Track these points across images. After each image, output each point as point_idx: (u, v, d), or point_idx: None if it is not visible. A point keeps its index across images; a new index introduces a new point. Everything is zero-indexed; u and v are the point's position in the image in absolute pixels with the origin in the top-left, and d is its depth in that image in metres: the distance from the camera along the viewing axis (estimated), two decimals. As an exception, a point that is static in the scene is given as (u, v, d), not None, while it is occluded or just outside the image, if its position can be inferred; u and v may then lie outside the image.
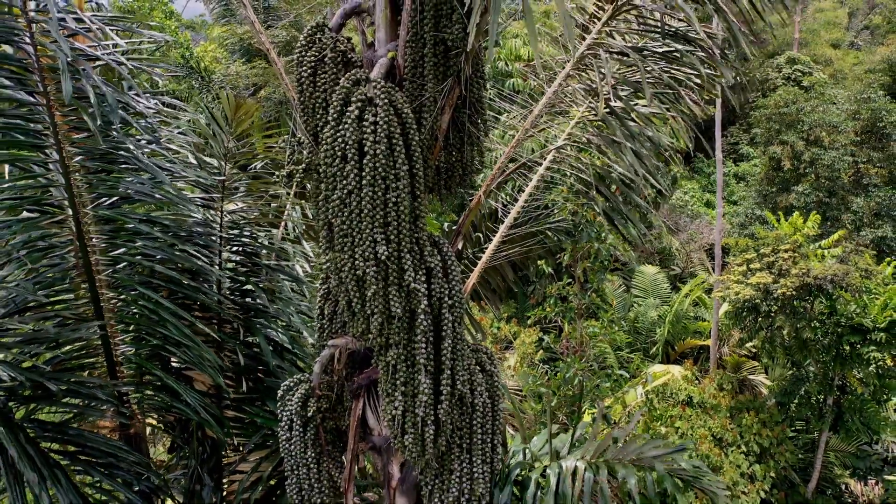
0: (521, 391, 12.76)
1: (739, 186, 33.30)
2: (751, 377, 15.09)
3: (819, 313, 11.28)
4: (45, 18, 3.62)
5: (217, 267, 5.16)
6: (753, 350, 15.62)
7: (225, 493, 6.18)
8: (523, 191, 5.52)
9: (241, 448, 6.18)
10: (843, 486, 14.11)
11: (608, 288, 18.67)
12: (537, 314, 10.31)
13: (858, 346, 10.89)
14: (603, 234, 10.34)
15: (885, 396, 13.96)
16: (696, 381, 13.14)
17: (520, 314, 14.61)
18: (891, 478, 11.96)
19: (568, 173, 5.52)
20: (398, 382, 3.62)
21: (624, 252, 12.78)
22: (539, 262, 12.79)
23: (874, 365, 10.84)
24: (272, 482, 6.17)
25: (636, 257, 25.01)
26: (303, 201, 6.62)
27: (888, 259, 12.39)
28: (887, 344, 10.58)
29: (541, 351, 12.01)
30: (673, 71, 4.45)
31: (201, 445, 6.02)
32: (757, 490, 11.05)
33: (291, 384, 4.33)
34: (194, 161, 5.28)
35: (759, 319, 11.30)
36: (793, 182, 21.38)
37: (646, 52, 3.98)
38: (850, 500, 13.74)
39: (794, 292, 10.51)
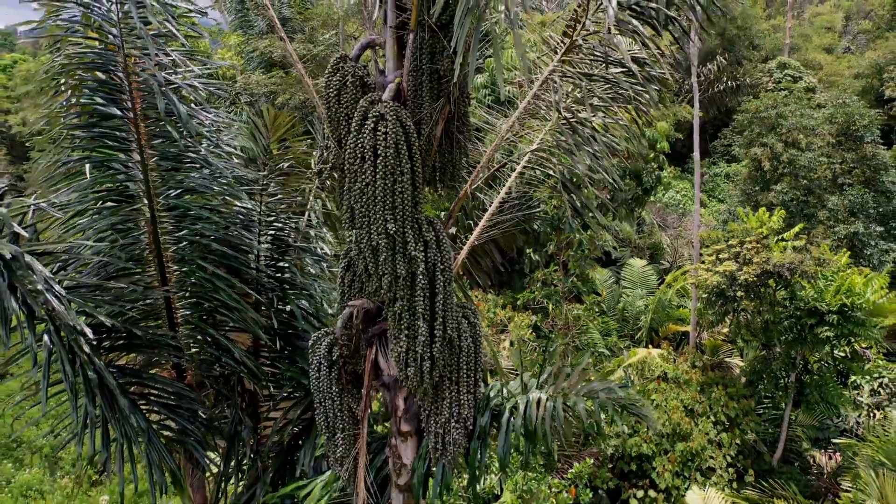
0: (515, 370, 13.83)
1: (729, 185, 34.20)
2: (727, 360, 16.15)
3: (781, 298, 12.32)
4: (139, 54, 4.72)
5: (257, 246, 6.28)
6: (731, 336, 16.66)
7: (259, 437, 7.29)
8: (511, 187, 6.62)
9: (273, 398, 7.29)
10: (811, 459, 15.14)
11: (597, 277, 19.74)
12: (525, 296, 11.35)
13: (815, 327, 11.92)
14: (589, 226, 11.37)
15: (848, 379, 15.05)
16: (672, 360, 14.19)
17: (515, 302, 15.69)
18: (839, 441, 12.97)
19: (552, 172, 6.59)
20: (402, 327, 4.71)
21: (603, 242, 13.77)
22: (527, 251, 13.90)
23: (829, 345, 11.88)
24: (298, 427, 7.29)
25: (628, 252, 26.05)
26: (323, 195, 7.73)
27: (844, 250, 13.40)
28: (839, 325, 11.61)
29: (532, 332, 13.09)
30: (621, 89, 5.50)
31: (241, 396, 7.14)
32: (723, 455, 12.12)
33: (320, 336, 5.42)
34: (237, 161, 6.39)
35: (727, 304, 12.35)
36: (773, 181, 22.39)
37: (593, 77, 5.05)
38: (815, 472, 14.74)
39: (755, 279, 11.55)
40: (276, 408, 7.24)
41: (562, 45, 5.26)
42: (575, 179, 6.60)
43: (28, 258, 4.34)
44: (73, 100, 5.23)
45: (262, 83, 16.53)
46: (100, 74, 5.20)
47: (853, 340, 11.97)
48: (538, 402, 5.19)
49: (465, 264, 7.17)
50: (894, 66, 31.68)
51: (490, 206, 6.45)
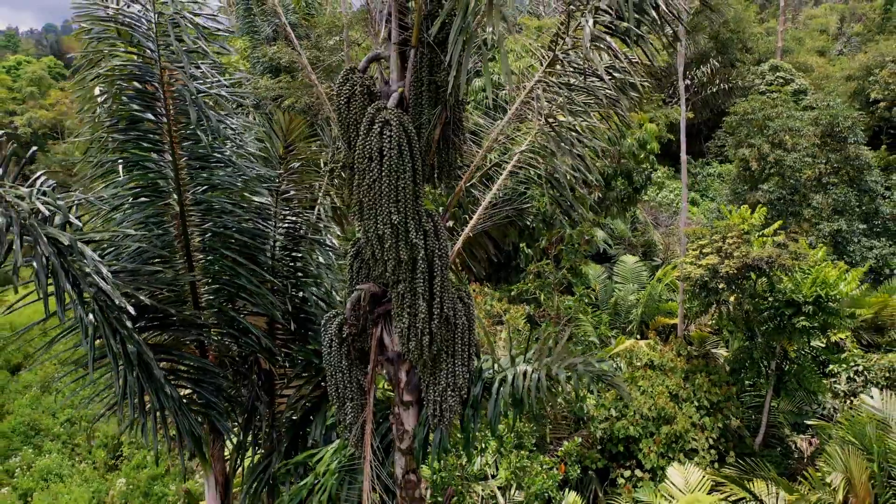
0: (510, 359, 14.38)
1: (723, 185, 34.73)
2: (714, 351, 16.77)
3: (762, 290, 12.93)
4: (175, 67, 5.33)
5: (273, 237, 6.90)
6: (717, 327, 17.28)
7: (274, 412, 7.90)
8: (503, 184, 7.23)
9: (286, 377, 7.90)
10: (793, 444, 15.76)
11: (591, 273, 20.35)
12: (519, 288, 11.95)
13: (793, 317, 12.53)
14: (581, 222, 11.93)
15: (827, 368, 15.68)
16: (658, 350, 14.80)
17: (511, 294, 16.33)
18: (813, 423, 13.58)
19: (540, 171, 7.18)
20: (405, 306, 5.32)
21: (592, 237, 14.34)
22: (521, 246, 14.53)
23: (805, 334, 12.49)
24: (309, 404, 7.90)
25: (622, 249, 26.68)
26: (332, 192, 8.33)
27: (820, 245, 14.03)
28: (814, 315, 12.22)
29: (526, 323, 13.71)
30: (597, 98, 6.10)
31: (257, 375, 7.75)
32: (706, 438, 12.73)
33: (331, 316, 6.03)
34: (255, 161, 7.00)
35: (710, 295, 12.97)
36: (760, 181, 23.01)
37: (573, 87, 5.67)
38: (796, 456, 15.35)
39: (735, 271, 12.15)
40: (289, 386, 7.86)
41: (546, 58, 5.88)
42: (560, 178, 7.18)
43: (80, 245, 4.95)
44: (114, 106, 5.84)
45: (269, 87, 17.16)
46: (137, 84, 5.82)
47: (829, 330, 12.58)
48: (524, 373, 5.80)
49: (461, 255, 7.78)
50: (880, 68, 32.21)
51: (483, 201, 7.06)
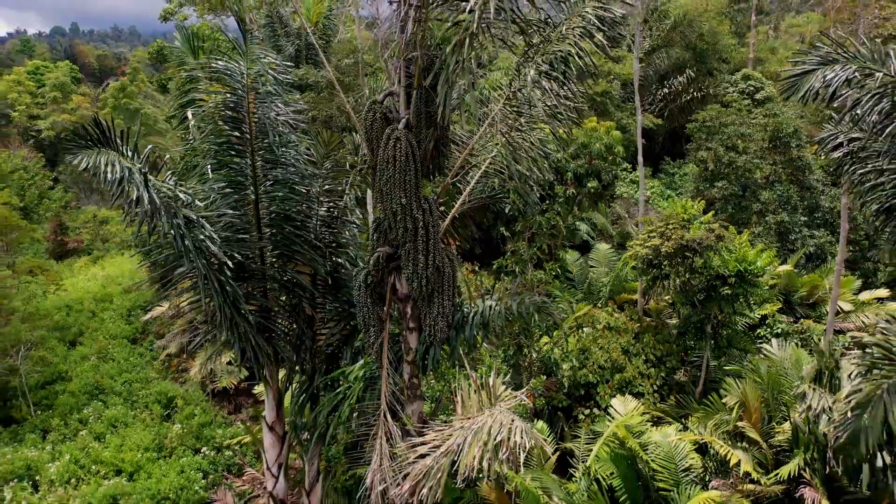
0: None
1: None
2: (668, 321, 19.12)
3: (699, 266, 15.25)
4: (257, 101, 7.71)
5: (316, 217, 9.28)
6: (671, 301, 19.62)
7: (315, 344, 10.27)
8: (480, 181, 9.60)
9: (323, 320, 10.27)
10: (731, 397, 18.06)
11: (568, 258, 22.72)
12: (499, 263, 14.22)
13: (720, 288, 14.86)
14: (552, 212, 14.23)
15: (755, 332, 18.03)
16: (615, 316, 17.18)
17: (493, 268, 18.72)
18: (728, 367, 15.90)
19: (504, 172, 9.50)
20: (409, 259, 7.68)
21: (558, 223, 16.63)
22: (501, 229, 16.90)
23: (730, 301, 14.84)
24: (340, 339, 10.27)
25: (602, 240, 28.97)
26: (356, 185, 10.67)
27: (747, 230, 16.36)
28: (736, 285, 14.55)
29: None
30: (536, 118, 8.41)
31: (302, 319, 10.12)
32: (651, 384, 15.08)
33: (359, 269, 8.39)
34: (306, 165, 9.36)
35: (654, 270, 15.30)
36: (716, 179, 25.33)
37: (521, 113, 8.02)
38: (733, 406, 17.63)
39: (673, 251, 14.47)
40: (325, 326, 10.23)
41: (504, 92, 8.25)
42: (516, 176, 9.49)
43: (201, 220, 7.34)
44: (211, 126, 8.21)
45: (296, 102, 19.57)
46: (229, 112, 8.19)
47: (750, 297, 14.91)
48: (490, 307, 8.18)
49: (450, 231, 10.13)
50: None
51: (465, 191, 9.42)
